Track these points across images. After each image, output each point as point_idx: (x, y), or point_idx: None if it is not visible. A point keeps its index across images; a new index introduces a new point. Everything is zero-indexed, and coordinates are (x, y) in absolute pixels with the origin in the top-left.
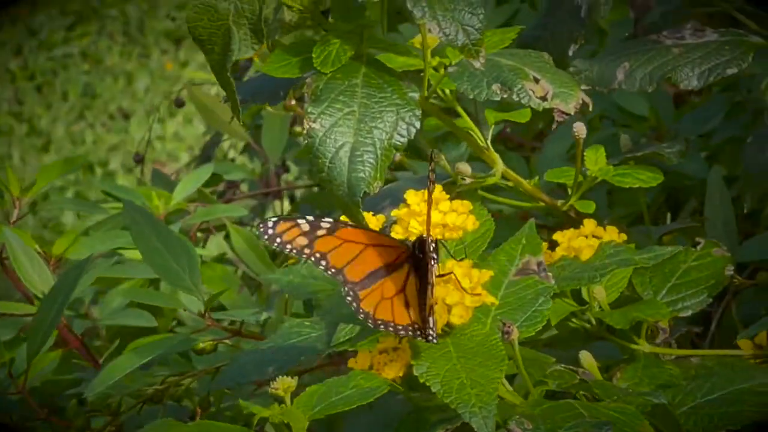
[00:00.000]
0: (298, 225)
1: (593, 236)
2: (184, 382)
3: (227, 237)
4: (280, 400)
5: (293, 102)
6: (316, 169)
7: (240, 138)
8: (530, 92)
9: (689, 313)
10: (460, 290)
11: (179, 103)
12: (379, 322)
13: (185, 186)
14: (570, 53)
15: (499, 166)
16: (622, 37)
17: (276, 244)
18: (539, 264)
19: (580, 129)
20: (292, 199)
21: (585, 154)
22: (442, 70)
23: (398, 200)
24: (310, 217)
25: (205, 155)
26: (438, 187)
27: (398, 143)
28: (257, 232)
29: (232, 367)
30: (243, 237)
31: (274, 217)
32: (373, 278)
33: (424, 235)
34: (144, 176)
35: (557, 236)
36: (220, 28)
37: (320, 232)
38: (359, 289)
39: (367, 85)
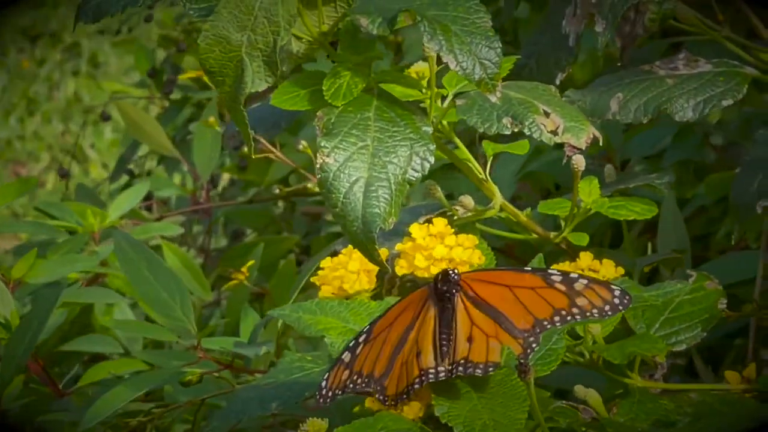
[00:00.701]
0: (342, 362)
1: (590, 270)
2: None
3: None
4: None
5: None
6: (329, 204)
7: (168, 152)
8: (542, 126)
9: (683, 347)
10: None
11: (106, 117)
12: (397, 397)
13: (120, 204)
14: (557, 82)
15: (498, 198)
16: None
17: (329, 400)
18: None
19: (579, 161)
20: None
21: (579, 185)
22: (439, 101)
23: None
24: (351, 340)
25: (121, 168)
26: (443, 221)
27: (412, 178)
28: (318, 403)
29: (234, 402)
30: (177, 255)
31: (325, 374)
32: (394, 355)
33: (448, 268)
34: (44, 188)
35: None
36: (232, 60)
37: (358, 350)
38: (384, 380)
39: (380, 119)
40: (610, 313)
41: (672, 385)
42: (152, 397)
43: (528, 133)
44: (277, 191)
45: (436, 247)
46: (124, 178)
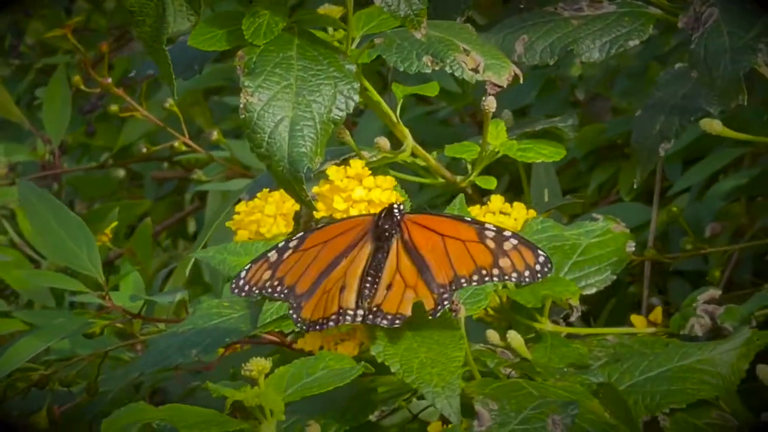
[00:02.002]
0: (266, 259)
1: (501, 212)
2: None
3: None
4: (253, 383)
5: (108, 80)
6: (254, 144)
7: (14, 117)
8: (462, 64)
9: (594, 290)
10: None
11: None
12: (311, 323)
13: None
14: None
15: (410, 141)
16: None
17: (244, 294)
18: None
19: (490, 103)
20: None
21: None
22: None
23: None
24: (281, 242)
25: None
26: (360, 162)
27: (337, 117)
28: (232, 291)
29: (153, 351)
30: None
31: (248, 264)
32: (321, 278)
33: (393, 203)
34: None
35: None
36: None
37: (286, 255)
38: (306, 299)
39: (303, 58)
40: (528, 279)
41: (583, 330)
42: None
43: (449, 71)
44: (144, 150)
45: (355, 188)
46: None
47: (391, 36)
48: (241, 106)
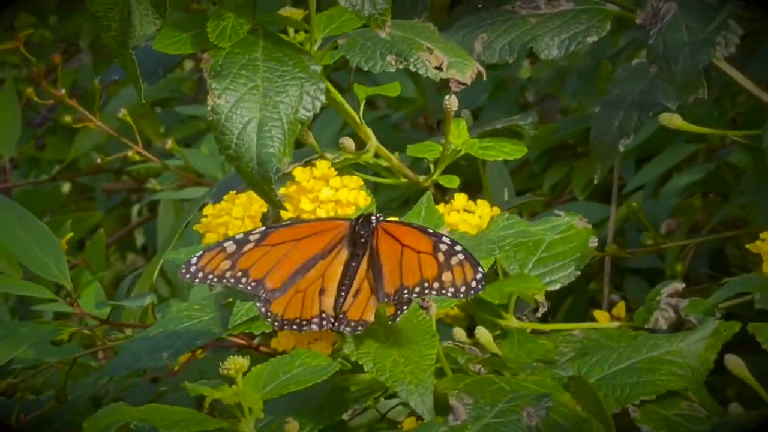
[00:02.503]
0: (223, 249)
1: (465, 210)
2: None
3: None
4: (231, 381)
5: (62, 91)
6: (222, 146)
7: None
8: (426, 62)
9: (558, 286)
10: None
11: None
12: (286, 321)
13: None
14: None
15: (373, 141)
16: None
17: (198, 280)
18: None
19: (452, 102)
20: None
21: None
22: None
23: None
24: (240, 235)
25: None
26: (326, 163)
27: (304, 117)
28: (182, 276)
29: (125, 355)
30: None
31: (200, 251)
32: (297, 276)
33: (371, 213)
34: None
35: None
36: (117, 3)
37: (247, 247)
38: (278, 295)
39: (268, 59)
40: (462, 295)
41: (548, 326)
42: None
43: (413, 70)
44: (99, 161)
45: (322, 189)
46: None
47: (354, 36)
48: (209, 108)
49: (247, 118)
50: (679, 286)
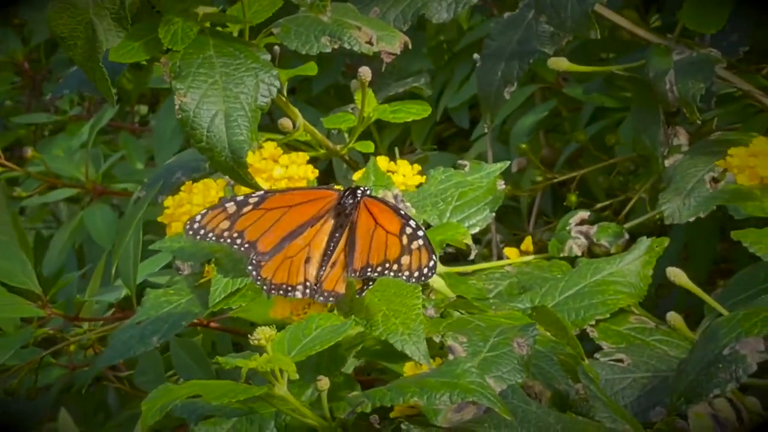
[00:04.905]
0: (225, 209)
1: (389, 171)
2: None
3: None
4: (261, 351)
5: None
6: (194, 140)
7: None
8: (358, 39)
9: (477, 229)
10: None
11: None
12: (274, 286)
13: None
14: None
15: (301, 120)
16: None
17: (198, 237)
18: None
19: (365, 72)
20: None
21: (355, 98)
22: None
23: (191, 169)
24: (241, 197)
25: None
26: (272, 144)
27: (263, 104)
28: (186, 233)
29: (115, 344)
30: None
31: (204, 210)
32: (285, 242)
33: (359, 186)
34: None
35: (354, 176)
36: (81, 23)
37: (246, 209)
38: (268, 258)
39: (222, 55)
40: (414, 280)
41: (470, 266)
42: None
43: (348, 47)
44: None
45: (273, 168)
46: None
47: (286, 24)
48: (177, 107)
49: (213, 111)
50: (584, 214)
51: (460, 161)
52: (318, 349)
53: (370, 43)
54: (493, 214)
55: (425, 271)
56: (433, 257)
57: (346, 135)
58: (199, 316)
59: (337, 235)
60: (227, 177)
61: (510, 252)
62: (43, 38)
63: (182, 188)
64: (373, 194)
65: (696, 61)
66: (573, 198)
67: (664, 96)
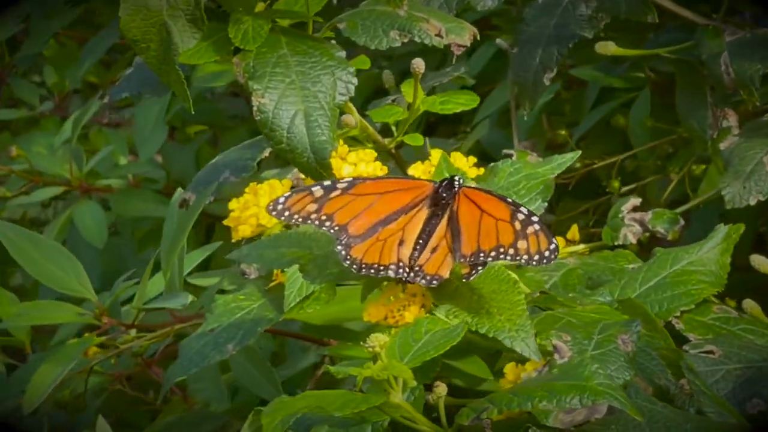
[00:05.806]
0: (311, 193)
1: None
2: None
3: None
4: (374, 358)
5: None
6: (274, 141)
7: None
8: (428, 32)
9: None
10: None
11: None
12: (365, 265)
13: None
14: None
15: (357, 115)
16: None
17: (284, 218)
18: None
19: (419, 64)
20: None
21: (402, 89)
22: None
23: (239, 169)
24: (328, 182)
25: None
26: (340, 142)
27: (341, 102)
28: (268, 210)
29: (188, 353)
30: None
31: (289, 192)
32: (377, 227)
33: (454, 175)
34: None
35: (411, 170)
36: (154, 25)
37: (334, 194)
38: (359, 242)
39: (296, 54)
40: (535, 263)
41: None
42: None
43: (418, 41)
44: None
45: (342, 166)
46: None
47: (352, 18)
48: (255, 108)
49: (293, 111)
50: (636, 201)
51: (505, 150)
52: (433, 354)
53: (439, 35)
54: (546, 203)
55: (547, 254)
56: (554, 241)
57: (393, 128)
58: (274, 322)
59: (433, 222)
60: (293, 177)
61: (557, 240)
62: (5, 36)
63: (246, 190)
64: (470, 185)
65: (750, 42)
66: (616, 184)
67: (719, 78)
